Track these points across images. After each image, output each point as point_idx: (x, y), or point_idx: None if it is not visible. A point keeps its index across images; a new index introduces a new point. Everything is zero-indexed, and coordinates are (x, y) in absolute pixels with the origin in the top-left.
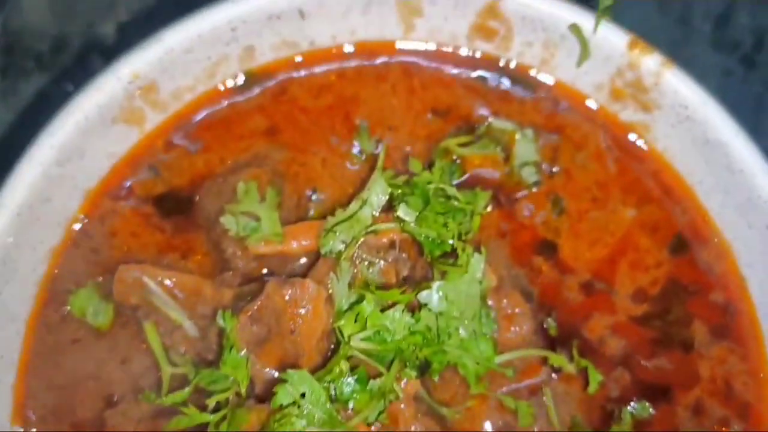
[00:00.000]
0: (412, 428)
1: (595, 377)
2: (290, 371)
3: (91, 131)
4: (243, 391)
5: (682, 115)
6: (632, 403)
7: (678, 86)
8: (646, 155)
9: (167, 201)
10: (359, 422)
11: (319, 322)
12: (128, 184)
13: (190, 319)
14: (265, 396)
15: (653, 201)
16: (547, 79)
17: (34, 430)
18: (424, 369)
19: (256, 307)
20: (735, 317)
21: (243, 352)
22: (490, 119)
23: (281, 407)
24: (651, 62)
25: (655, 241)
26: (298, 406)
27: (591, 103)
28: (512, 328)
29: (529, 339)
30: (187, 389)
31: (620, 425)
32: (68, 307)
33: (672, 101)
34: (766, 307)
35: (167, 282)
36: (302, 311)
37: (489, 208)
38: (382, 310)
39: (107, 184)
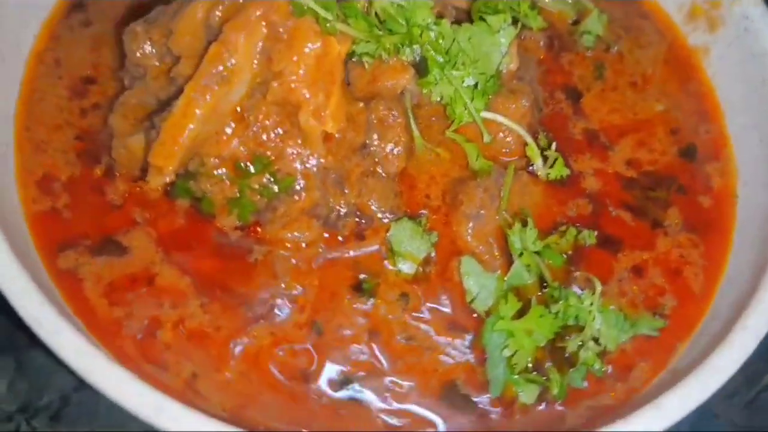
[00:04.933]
0: (384, 109)
1: (561, 168)
2: None
3: None
4: None
5: (740, 28)
6: (581, 227)
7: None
8: (695, 75)
9: None
10: (349, 31)
11: None
12: None
13: None
14: None
15: (684, 111)
16: None
17: None
18: (421, 69)
19: None
20: (712, 225)
21: None
22: None
23: None
24: None
25: (670, 139)
26: None
27: (667, 17)
28: (511, 105)
29: (519, 124)
30: None
31: (560, 239)
32: None
33: (738, 14)
34: (744, 231)
35: None
36: None
37: (541, 43)
38: None
39: None
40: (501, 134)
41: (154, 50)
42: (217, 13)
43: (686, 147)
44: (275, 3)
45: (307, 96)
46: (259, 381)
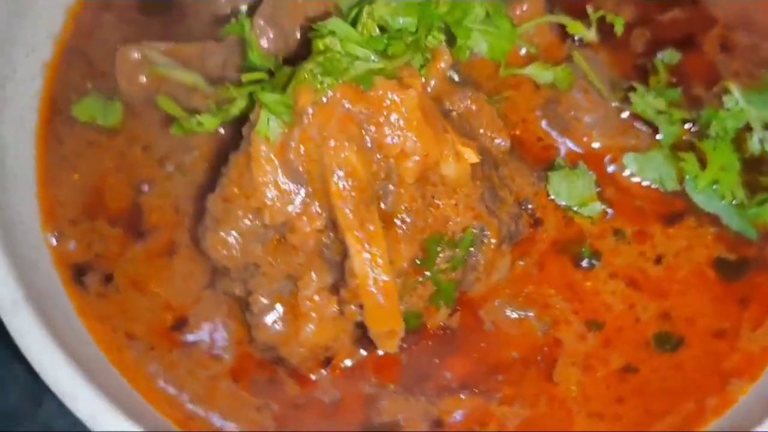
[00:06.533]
0: (458, 100)
1: (619, 21)
2: (319, 22)
3: None
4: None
5: None
6: (659, 53)
7: None
8: None
9: (150, 4)
10: (403, 61)
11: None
12: None
13: (202, 76)
14: None
15: None
16: None
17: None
18: (449, 40)
19: (267, 9)
20: None
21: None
22: None
23: (322, 52)
24: None
25: None
26: (340, 45)
27: None
28: (522, 6)
29: (540, 13)
30: (219, 115)
31: (658, 77)
32: (74, 115)
33: None
34: None
35: (170, 50)
36: (311, 14)
37: None
38: None
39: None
40: (535, 40)
41: (249, 240)
42: (295, 145)
43: None
44: (344, 92)
45: (441, 151)
46: None
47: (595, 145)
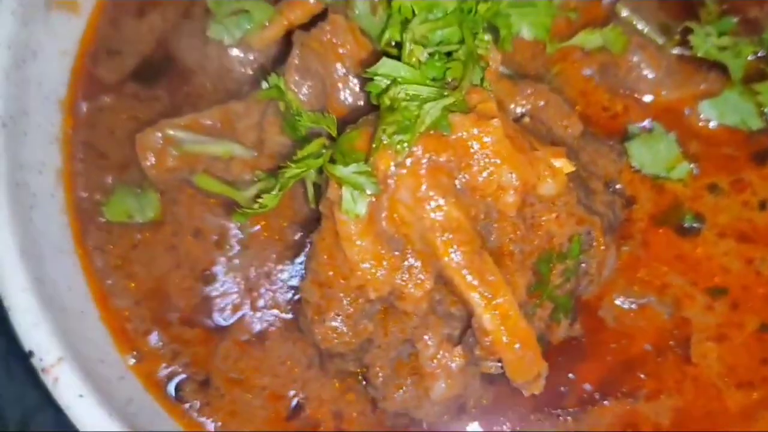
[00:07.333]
0: (522, 99)
1: None
2: (370, 69)
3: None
4: (334, 132)
5: None
6: None
7: None
8: None
9: (145, 71)
10: (467, 85)
11: (364, 48)
12: (96, 76)
13: (236, 142)
14: None
15: None
16: None
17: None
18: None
19: (297, 61)
20: None
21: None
22: None
23: (390, 108)
24: None
25: None
26: (403, 91)
27: None
28: None
29: None
30: (275, 192)
31: (707, 8)
32: (108, 218)
33: None
34: None
35: (191, 123)
36: (342, 51)
37: None
38: None
39: (76, 88)
40: (572, 4)
41: (357, 319)
42: (387, 214)
43: None
44: (426, 145)
45: (537, 173)
46: None
47: (666, 100)
